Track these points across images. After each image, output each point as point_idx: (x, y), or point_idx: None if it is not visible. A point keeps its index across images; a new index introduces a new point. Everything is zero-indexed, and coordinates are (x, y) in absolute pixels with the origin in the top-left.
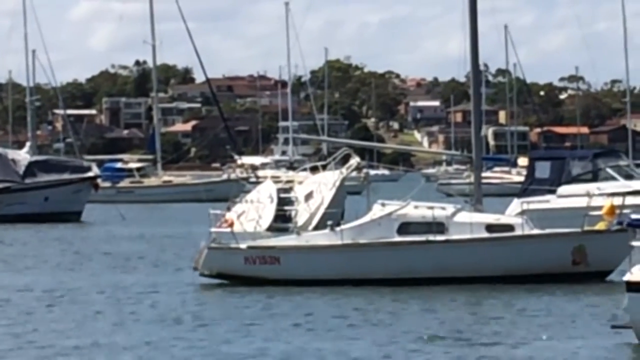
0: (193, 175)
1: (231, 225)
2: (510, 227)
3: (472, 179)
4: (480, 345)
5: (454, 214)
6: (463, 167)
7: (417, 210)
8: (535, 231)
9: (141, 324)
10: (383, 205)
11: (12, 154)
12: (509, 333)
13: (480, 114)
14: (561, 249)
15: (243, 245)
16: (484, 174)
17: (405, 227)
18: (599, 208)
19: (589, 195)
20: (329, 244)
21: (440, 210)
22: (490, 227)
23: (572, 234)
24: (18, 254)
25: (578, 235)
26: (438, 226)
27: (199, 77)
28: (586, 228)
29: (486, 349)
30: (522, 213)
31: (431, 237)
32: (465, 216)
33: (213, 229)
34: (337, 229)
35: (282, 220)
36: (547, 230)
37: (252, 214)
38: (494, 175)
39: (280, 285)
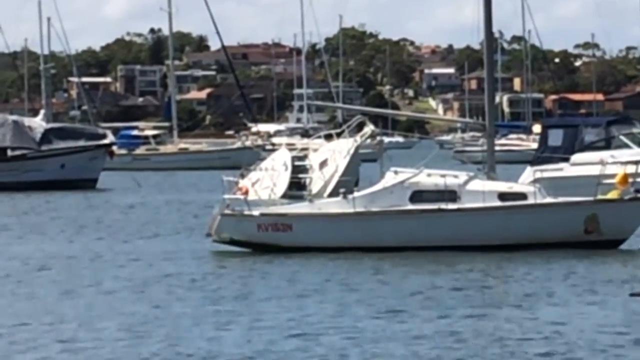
0: (208, 142)
1: (246, 193)
2: (523, 196)
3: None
4: (493, 309)
5: (466, 182)
6: (478, 134)
7: (429, 178)
8: (548, 200)
9: (152, 292)
10: (396, 173)
11: (28, 121)
12: (522, 299)
13: (494, 82)
14: (574, 217)
15: (256, 212)
16: (499, 141)
17: (418, 195)
18: (613, 176)
19: (602, 163)
20: (341, 212)
21: (453, 179)
22: (502, 196)
23: (584, 202)
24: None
25: (591, 204)
26: (450, 194)
27: (214, 45)
28: (599, 197)
29: (499, 312)
30: (535, 181)
31: (443, 206)
32: (477, 184)
33: (226, 196)
34: (350, 196)
35: (296, 188)
36: (560, 199)
37: (266, 182)
38: (510, 143)
39: (292, 252)
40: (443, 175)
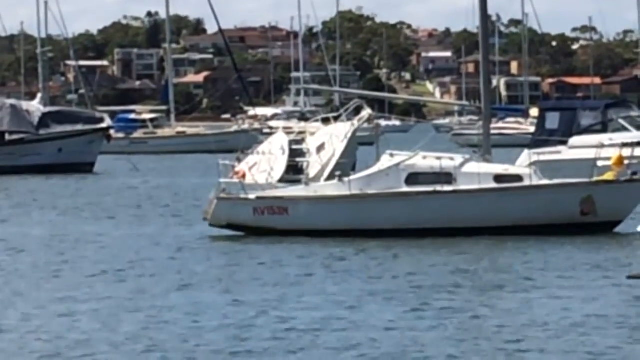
0: (206, 126)
1: (243, 176)
2: (518, 178)
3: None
4: (490, 293)
5: (462, 165)
6: (476, 117)
7: (425, 160)
8: (544, 182)
9: (149, 276)
10: (392, 155)
11: (26, 105)
12: (519, 282)
13: (489, 65)
14: (569, 199)
15: (252, 196)
16: (496, 125)
17: (413, 178)
18: (610, 159)
19: (600, 146)
20: (337, 195)
21: (449, 161)
22: (498, 178)
23: (580, 184)
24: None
25: (586, 186)
26: (446, 177)
27: (211, 28)
28: (594, 178)
29: (494, 298)
30: (533, 164)
31: (439, 188)
32: (473, 166)
33: (222, 180)
34: (345, 179)
35: (294, 172)
36: (555, 181)
37: (264, 166)
38: (507, 126)
39: (289, 236)
40: (439, 158)
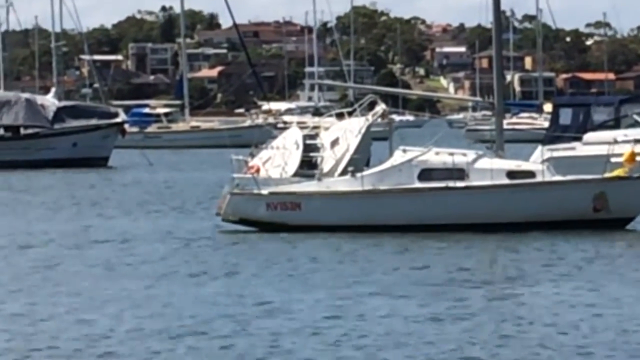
0: (220, 120)
1: (257, 171)
2: (531, 174)
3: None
4: (504, 289)
5: (474, 160)
6: (490, 113)
7: (437, 156)
8: (556, 178)
9: (163, 272)
10: (404, 151)
11: (40, 99)
12: (535, 279)
13: (505, 60)
14: (582, 195)
15: (265, 191)
16: (510, 120)
17: (426, 174)
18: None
19: (614, 142)
20: (349, 190)
21: (461, 157)
22: (511, 174)
23: (592, 180)
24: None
25: (599, 182)
26: (458, 172)
27: (225, 23)
28: (607, 175)
29: (509, 292)
30: (547, 160)
31: (451, 184)
32: (486, 162)
33: (235, 175)
34: (358, 174)
35: (307, 167)
36: (568, 177)
37: (277, 161)
38: (521, 122)
39: (301, 231)
40: (451, 154)
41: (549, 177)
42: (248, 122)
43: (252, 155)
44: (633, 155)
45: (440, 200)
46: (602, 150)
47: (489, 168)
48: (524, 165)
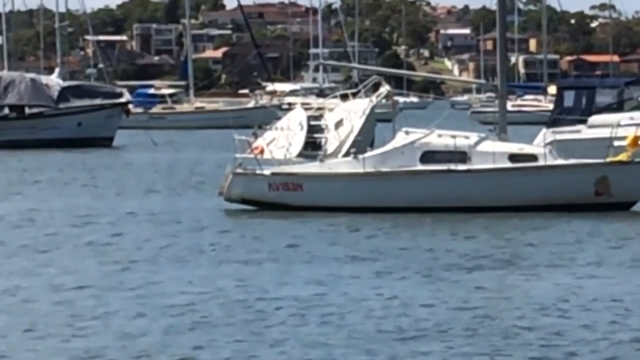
0: (225, 101)
1: (261, 152)
2: (533, 157)
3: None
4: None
5: (477, 143)
6: (494, 95)
7: (440, 139)
8: (558, 161)
9: (164, 248)
10: (407, 133)
11: (45, 79)
12: (539, 262)
13: (508, 42)
14: (584, 179)
15: (267, 172)
16: (515, 102)
17: (428, 156)
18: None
19: (619, 125)
20: (351, 172)
21: (463, 139)
22: (513, 157)
23: (594, 164)
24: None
25: (601, 166)
26: (461, 155)
27: (230, 4)
28: (609, 159)
29: (517, 275)
30: (551, 143)
31: (453, 166)
32: (488, 145)
33: (238, 155)
34: (360, 156)
35: (312, 148)
36: (570, 161)
37: (282, 141)
38: (526, 104)
39: (303, 211)
40: (454, 136)
41: (551, 161)
42: (252, 103)
43: (256, 136)
44: (636, 139)
45: (442, 182)
46: (607, 133)
47: (491, 151)
48: (526, 149)
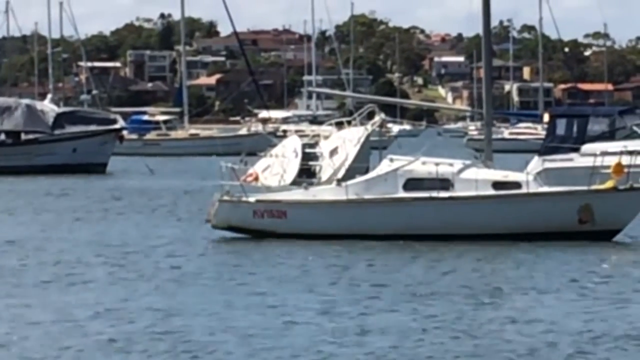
0: (219, 128)
1: (256, 179)
2: (517, 185)
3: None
4: (488, 303)
5: (460, 171)
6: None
7: (423, 166)
8: (542, 189)
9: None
10: (391, 160)
11: (40, 105)
12: (525, 290)
13: (492, 70)
14: (567, 207)
15: (252, 199)
16: (513, 130)
17: (411, 183)
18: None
19: (602, 154)
20: (334, 199)
21: (447, 167)
22: (497, 184)
23: (578, 192)
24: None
25: (584, 194)
26: (444, 182)
27: (224, 31)
28: (593, 187)
29: (496, 306)
30: (544, 171)
31: (435, 194)
32: (472, 172)
33: (223, 182)
34: (343, 184)
35: (306, 175)
36: (553, 188)
37: (276, 169)
38: (520, 132)
39: (287, 239)
40: (437, 164)
41: (534, 188)
42: (243, 130)
43: (245, 163)
44: (620, 166)
45: (424, 210)
46: (598, 161)
47: (474, 178)
48: (510, 176)
